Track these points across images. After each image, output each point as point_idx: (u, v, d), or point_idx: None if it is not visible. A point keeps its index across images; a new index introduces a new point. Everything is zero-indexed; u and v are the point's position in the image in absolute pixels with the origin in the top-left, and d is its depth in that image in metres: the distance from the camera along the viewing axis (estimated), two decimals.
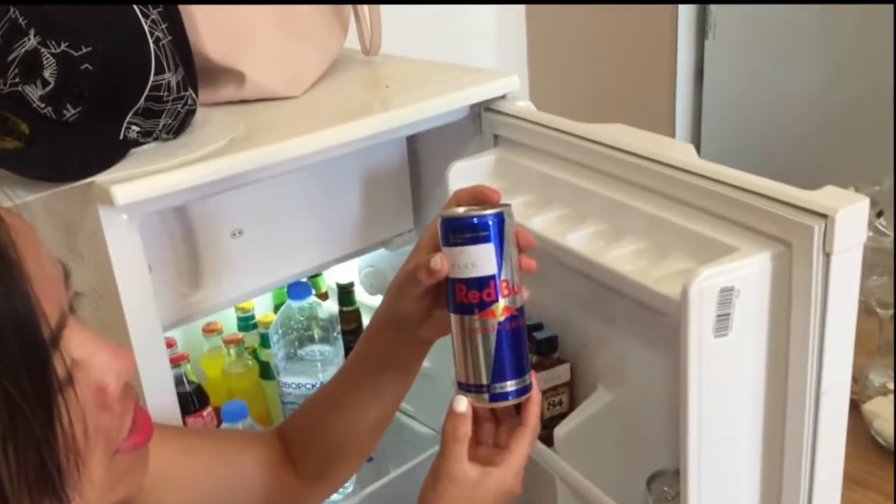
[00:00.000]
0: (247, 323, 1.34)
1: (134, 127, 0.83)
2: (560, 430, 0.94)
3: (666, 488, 0.84)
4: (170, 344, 1.23)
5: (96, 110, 0.80)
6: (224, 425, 1.17)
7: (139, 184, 0.79)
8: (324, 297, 1.39)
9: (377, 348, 0.79)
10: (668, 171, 0.82)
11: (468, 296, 0.67)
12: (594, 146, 0.90)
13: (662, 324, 0.86)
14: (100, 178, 0.79)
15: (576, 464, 0.94)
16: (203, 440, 0.82)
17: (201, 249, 1.01)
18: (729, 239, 0.75)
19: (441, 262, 0.67)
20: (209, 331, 1.32)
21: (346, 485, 1.29)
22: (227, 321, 1.36)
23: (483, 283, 0.67)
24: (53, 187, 0.78)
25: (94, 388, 0.46)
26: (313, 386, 1.22)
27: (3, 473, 0.40)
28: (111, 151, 0.81)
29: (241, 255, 1.05)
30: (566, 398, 1.00)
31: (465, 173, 1.02)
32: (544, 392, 0.99)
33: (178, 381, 1.22)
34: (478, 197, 0.73)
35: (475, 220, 0.67)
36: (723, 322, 0.72)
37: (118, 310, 0.83)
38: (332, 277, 1.39)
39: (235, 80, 1.01)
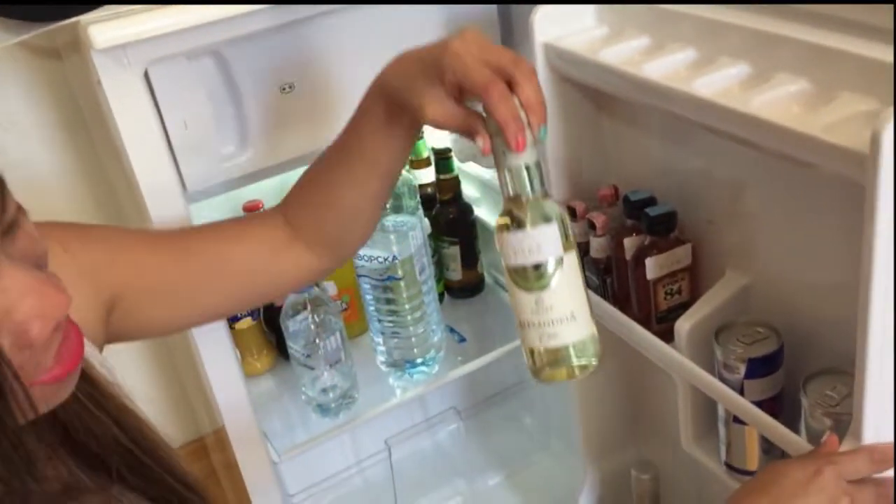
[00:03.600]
0: None
1: None
2: (683, 323, 0.78)
3: (829, 392, 0.67)
4: (256, 206, 1.14)
5: None
6: (291, 296, 1.08)
7: (121, 24, 0.68)
8: (425, 163, 1.24)
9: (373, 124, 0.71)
10: None
11: None
12: None
13: (820, 187, 0.68)
14: (86, 18, 0.68)
15: (702, 363, 0.78)
16: (197, 242, 0.75)
17: (246, 105, 0.89)
18: None
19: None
20: None
21: (435, 354, 1.18)
22: None
23: None
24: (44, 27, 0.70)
25: (16, 332, 0.41)
26: (386, 259, 1.09)
27: None
28: None
29: (293, 112, 0.92)
30: (686, 286, 0.84)
31: (554, 18, 0.83)
32: (660, 279, 0.82)
33: None
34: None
35: None
36: None
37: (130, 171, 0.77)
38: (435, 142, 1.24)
39: None
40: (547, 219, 0.63)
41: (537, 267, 0.63)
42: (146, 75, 0.79)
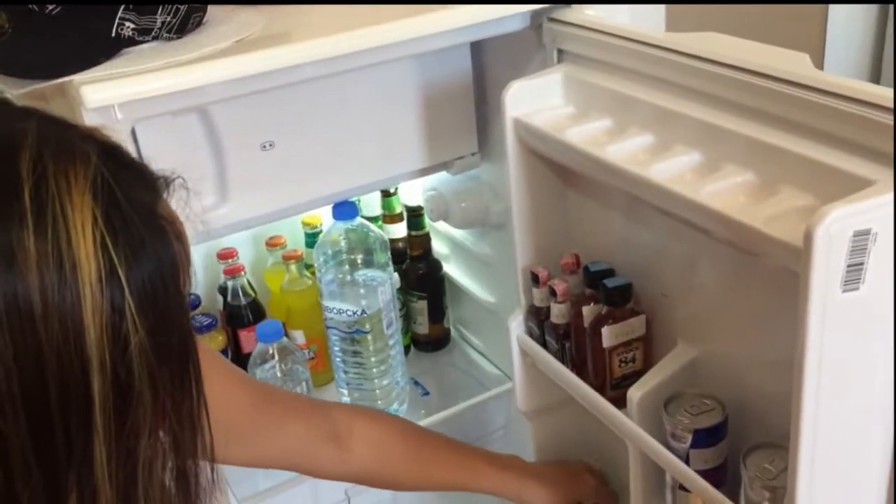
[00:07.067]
0: (314, 239, 1.22)
1: (128, 23, 0.75)
2: (634, 392, 0.82)
3: (767, 465, 0.71)
4: (230, 254, 1.20)
5: (82, 4, 0.73)
6: (259, 345, 1.12)
7: (111, 86, 0.71)
8: (398, 218, 1.28)
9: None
10: (778, 87, 0.67)
11: None
12: (681, 58, 0.76)
13: (765, 269, 0.73)
14: (80, 78, 0.71)
15: (652, 430, 0.81)
16: (275, 398, 0.88)
17: (228, 160, 0.93)
18: (860, 170, 0.61)
19: None
20: (272, 244, 1.23)
21: (398, 407, 1.22)
22: (298, 236, 1.26)
23: None
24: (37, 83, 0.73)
25: None
26: (354, 313, 1.12)
27: None
28: (96, 49, 0.74)
29: (272, 169, 0.96)
30: (640, 354, 0.88)
31: (525, 95, 0.88)
32: (615, 347, 0.86)
33: (234, 294, 1.21)
34: None
35: None
36: (854, 273, 0.58)
37: None
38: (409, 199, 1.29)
39: None
40: None
41: None
42: (133, 131, 0.82)
